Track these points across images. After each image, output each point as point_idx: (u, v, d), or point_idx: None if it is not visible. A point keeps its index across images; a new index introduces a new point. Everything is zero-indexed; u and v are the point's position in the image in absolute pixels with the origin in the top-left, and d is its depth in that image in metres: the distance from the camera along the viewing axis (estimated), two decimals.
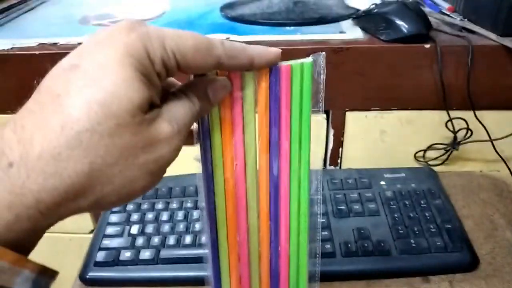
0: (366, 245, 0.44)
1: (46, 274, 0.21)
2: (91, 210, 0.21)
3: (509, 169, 0.57)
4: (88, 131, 0.19)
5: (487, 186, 0.57)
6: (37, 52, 0.54)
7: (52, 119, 0.19)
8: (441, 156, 0.59)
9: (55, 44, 0.56)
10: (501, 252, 0.47)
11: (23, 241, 0.20)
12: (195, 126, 0.27)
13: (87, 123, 0.19)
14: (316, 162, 0.60)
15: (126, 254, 0.44)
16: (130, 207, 0.50)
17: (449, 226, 0.46)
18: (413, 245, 0.44)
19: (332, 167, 0.60)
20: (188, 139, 0.27)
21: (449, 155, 0.58)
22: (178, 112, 0.22)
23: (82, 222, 0.62)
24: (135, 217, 0.48)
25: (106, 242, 0.46)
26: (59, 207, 0.20)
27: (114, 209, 0.50)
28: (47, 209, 0.19)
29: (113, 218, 0.49)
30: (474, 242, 0.46)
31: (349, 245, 0.44)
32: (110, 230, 0.47)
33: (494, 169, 0.59)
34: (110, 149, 0.20)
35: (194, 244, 0.45)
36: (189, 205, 0.50)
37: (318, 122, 0.56)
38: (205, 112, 0.25)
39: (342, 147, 0.58)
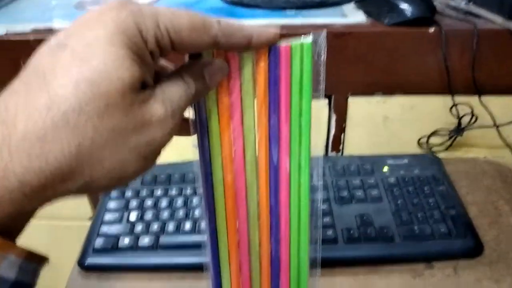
0: (368, 231, 0.44)
1: (34, 260, 0.21)
2: (81, 193, 0.21)
3: None
4: (76, 111, 0.18)
5: (491, 172, 0.56)
6: (31, 38, 0.53)
7: (37, 99, 0.18)
8: (445, 142, 0.58)
9: (50, 29, 0.54)
10: (505, 239, 0.46)
11: (7, 226, 0.19)
12: (192, 114, 0.26)
13: (74, 103, 0.18)
14: (318, 148, 0.59)
15: (125, 241, 0.44)
16: (128, 193, 0.49)
17: (453, 212, 0.46)
18: (417, 231, 0.43)
19: (334, 153, 0.59)
20: (184, 128, 0.26)
21: (453, 141, 0.57)
22: (172, 94, 0.21)
23: (81, 209, 0.62)
24: (134, 203, 0.48)
25: (105, 229, 0.45)
26: (45, 190, 0.19)
27: (113, 196, 0.49)
28: (32, 192, 0.18)
29: (112, 204, 0.48)
30: (479, 228, 0.46)
31: (351, 232, 0.44)
32: (108, 216, 0.47)
33: (498, 156, 0.58)
34: (99, 130, 0.19)
35: (194, 231, 0.45)
36: (188, 191, 0.49)
37: (320, 107, 0.55)
38: (201, 95, 0.24)
39: (344, 133, 0.57)
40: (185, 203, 0.47)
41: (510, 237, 0.47)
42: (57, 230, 0.64)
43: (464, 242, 0.43)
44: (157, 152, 0.22)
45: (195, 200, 0.48)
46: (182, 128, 0.25)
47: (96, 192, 0.22)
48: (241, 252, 0.30)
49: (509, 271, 0.43)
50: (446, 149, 0.58)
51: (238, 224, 0.29)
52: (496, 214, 0.50)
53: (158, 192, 0.49)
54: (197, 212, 0.46)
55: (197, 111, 0.25)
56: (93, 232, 0.46)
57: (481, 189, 0.53)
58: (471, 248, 0.43)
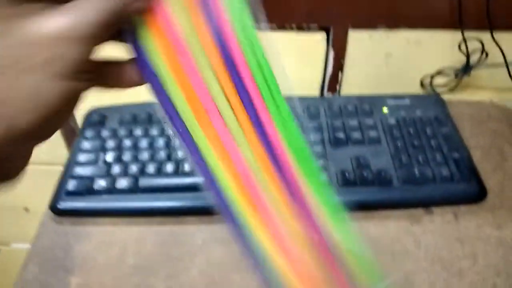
0: (365, 174, 0.40)
1: None
2: (10, 140, 0.17)
3: None
4: None
5: (497, 116, 0.52)
6: None
7: None
8: (450, 82, 0.53)
9: None
10: (509, 184, 0.44)
11: None
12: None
13: None
14: (314, 87, 0.54)
15: (101, 183, 0.40)
16: (105, 133, 0.45)
17: (456, 155, 0.42)
18: (417, 174, 0.40)
19: (330, 94, 0.54)
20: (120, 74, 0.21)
21: (459, 82, 0.53)
22: (80, 5, 0.17)
23: (58, 153, 0.58)
24: (110, 144, 0.44)
25: (79, 170, 0.42)
26: None
27: (88, 136, 0.45)
28: None
29: (86, 145, 0.44)
30: (482, 173, 0.42)
31: (346, 175, 0.40)
32: (82, 157, 0.43)
33: (506, 98, 0.54)
34: None
35: (177, 173, 0.41)
36: (171, 132, 0.45)
37: (317, 42, 0.50)
38: (128, 12, 0.19)
39: (342, 71, 0.52)
40: (167, 144, 0.44)
41: None
42: (33, 175, 0.60)
43: (467, 186, 0.40)
44: (76, 70, 0.17)
45: (178, 141, 0.44)
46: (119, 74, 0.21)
47: (27, 134, 0.18)
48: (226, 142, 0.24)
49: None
50: (451, 90, 0.54)
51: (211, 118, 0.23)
52: (501, 159, 0.46)
53: (138, 132, 0.45)
54: (180, 154, 0.43)
55: (132, 43, 0.20)
56: (65, 174, 0.42)
57: (486, 133, 0.50)
58: (474, 192, 0.40)
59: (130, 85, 0.21)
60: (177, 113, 0.22)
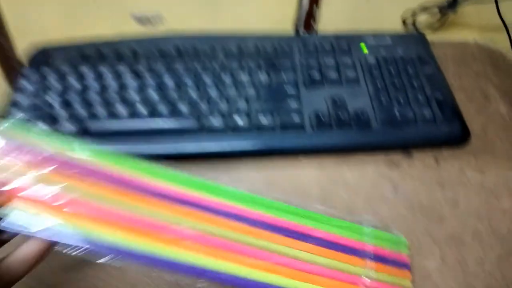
0: (341, 116, 0.37)
1: None
2: None
3: (509, 35, 0.48)
4: None
5: (482, 57, 0.49)
6: None
7: None
8: (434, 20, 0.49)
9: None
10: (493, 126, 0.41)
11: None
12: None
13: None
14: (288, 24, 0.49)
15: (43, 128, 0.35)
16: (49, 73, 0.39)
17: (439, 96, 0.39)
18: (397, 116, 0.37)
19: (305, 31, 0.49)
20: None
21: (444, 19, 0.49)
22: None
23: None
24: (55, 85, 0.38)
25: (18, 113, 0.36)
26: None
27: (27, 75, 0.39)
28: None
29: (28, 86, 0.38)
30: (465, 116, 0.40)
31: (321, 117, 0.37)
32: (23, 99, 0.37)
33: (492, 37, 0.50)
34: None
35: (132, 116, 0.36)
36: (121, 68, 0.40)
37: None
38: None
39: (318, 7, 0.47)
40: (121, 86, 0.39)
41: (499, 125, 0.41)
42: None
43: (449, 128, 0.37)
44: None
45: (134, 82, 0.39)
46: None
47: None
48: None
49: (495, 161, 0.38)
50: (435, 29, 0.50)
51: None
52: (484, 101, 0.44)
53: (86, 71, 0.39)
54: (135, 95, 0.38)
55: None
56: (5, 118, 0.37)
57: (469, 75, 0.47)
58: (456, 134, 0.37)
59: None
60: None
